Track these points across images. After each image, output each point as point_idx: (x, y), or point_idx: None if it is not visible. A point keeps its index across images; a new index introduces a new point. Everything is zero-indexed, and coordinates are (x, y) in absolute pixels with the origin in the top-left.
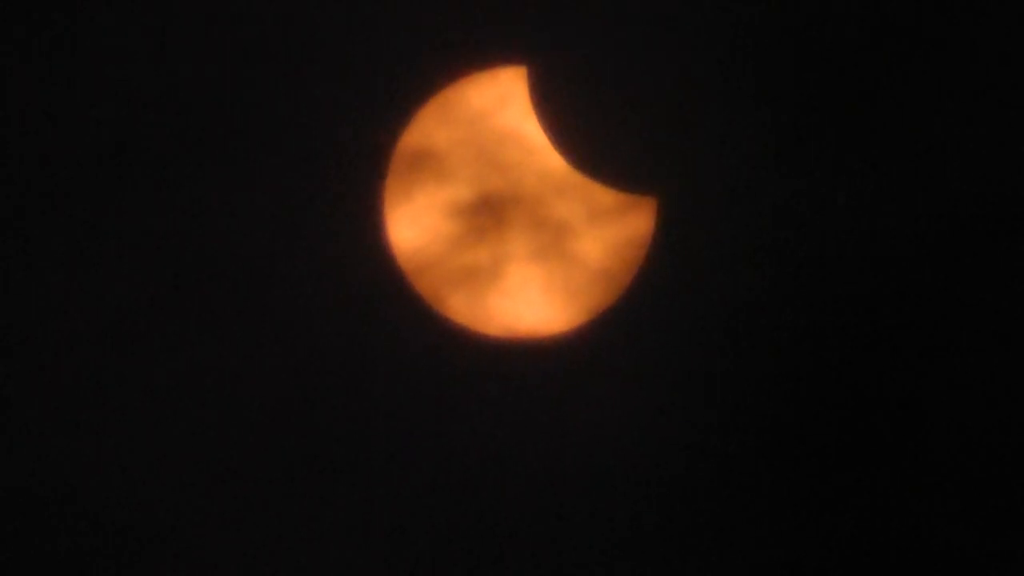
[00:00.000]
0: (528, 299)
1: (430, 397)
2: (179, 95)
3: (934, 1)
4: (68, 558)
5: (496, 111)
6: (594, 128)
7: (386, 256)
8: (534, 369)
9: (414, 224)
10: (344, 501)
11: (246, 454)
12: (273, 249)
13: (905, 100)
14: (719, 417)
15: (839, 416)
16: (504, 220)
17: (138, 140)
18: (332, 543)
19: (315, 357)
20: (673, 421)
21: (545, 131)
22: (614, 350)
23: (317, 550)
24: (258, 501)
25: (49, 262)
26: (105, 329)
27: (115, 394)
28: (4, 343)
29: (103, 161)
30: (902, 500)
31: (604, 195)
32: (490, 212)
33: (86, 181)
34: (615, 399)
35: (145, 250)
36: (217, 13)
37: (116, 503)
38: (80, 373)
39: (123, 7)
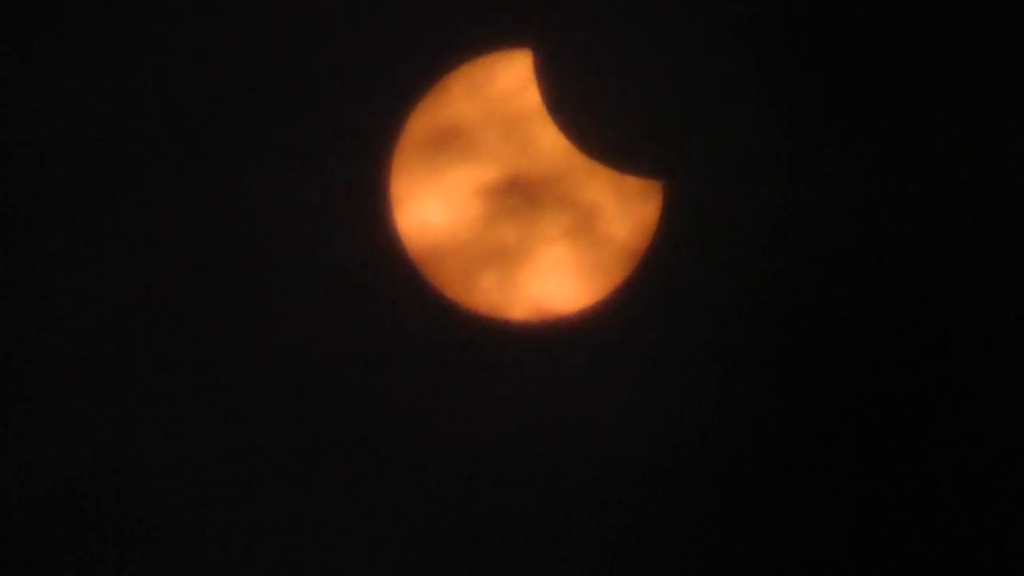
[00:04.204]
0: (558, 278)
1: (456, 381)
2: (204, 71)
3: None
4: (71, 557)
5: (522, 91)
6: (601, 112)
7: (402, 241)
8: (562, 349)
9: (441, 205)
10: (371, 485)
11: (269, 442)
12: (294, 231)
13: (916, 90)
14: (738, 399)
15: (853, 383)
16: (533, 200)
17: (161, 122)
18: (362, 532)
19: (340, 341)
20: (698, 404)
21: (551, 114)
22: (639, 329)
23: (345, 539)
24: (281, 493)
25: (61, 256)
26: (124, 315)
27: (132, 383)
28: (11, 342)
29: (113, 150)
30: (905, 496)
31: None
32: (518, 192)
33: (94, 172)
34: (641, 378)
35: (179, 227)
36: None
37: (129, 497)
38: (94, 364)
39: None
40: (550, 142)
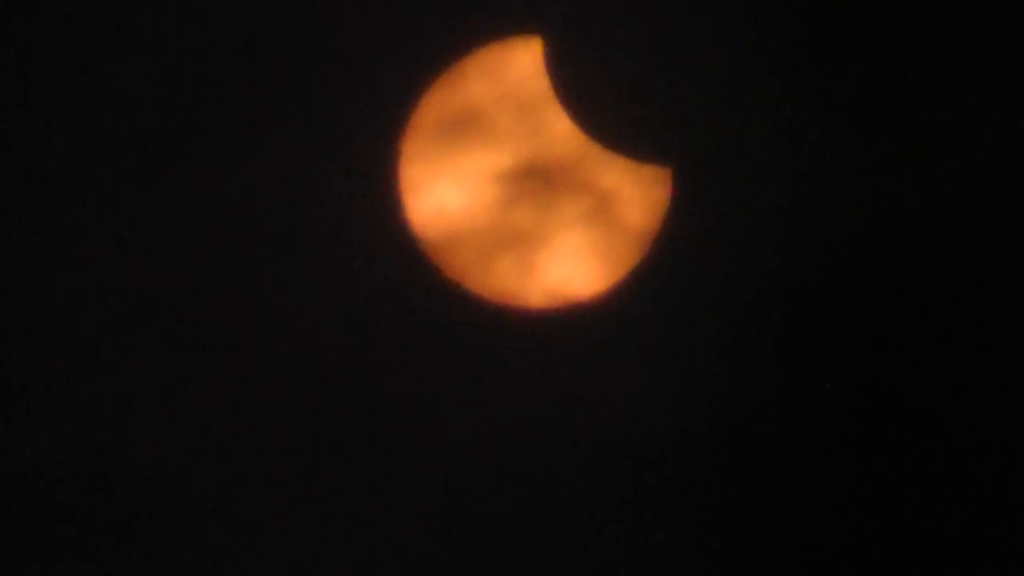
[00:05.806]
0: (575, 263)
1: (474, 366)
2: (215, 53)
3: None
4: (72, 555)
5: (537, 76)
6: (613, 99)
7: (416, 227)
8: (580, 332)
9: (455, 190)
10: (390, 472)
11: (284, 433)
12: (306, 217)
13: (927, 80)
14: (753, 380)
15: (869, 366)
16: (549, 184)
17: (171, 102)
18: (385, 519)
19: (353, 328)
20: (713, 384)
21: (559, 101)
22: (655, 311)
23: (368, 527)
24: (297, 485)
25: (77, 249)
26: (132, 304)
27: (140, 372)
28: (10, 342)
29: (128, 133)
30: (905, 494)
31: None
32: (534, 177)
33: (110, 159)
34: (657, 360)
35: (188, 212)
36: None
37: (130, 493)
38: (96, 360)
39: None
40: (566, 127)
